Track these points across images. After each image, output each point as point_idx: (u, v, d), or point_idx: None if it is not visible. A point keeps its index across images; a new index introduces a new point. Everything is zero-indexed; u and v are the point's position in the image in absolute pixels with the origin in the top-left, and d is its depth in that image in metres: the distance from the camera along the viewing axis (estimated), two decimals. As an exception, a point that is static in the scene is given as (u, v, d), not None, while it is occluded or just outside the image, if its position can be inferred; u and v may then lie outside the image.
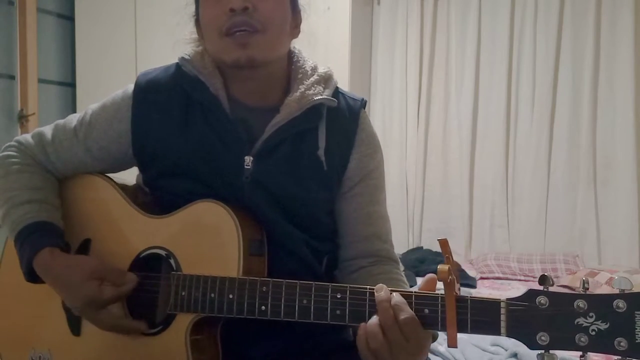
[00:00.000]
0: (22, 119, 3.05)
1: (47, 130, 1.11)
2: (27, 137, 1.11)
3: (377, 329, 0.80)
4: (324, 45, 2.99)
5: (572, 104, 3.22)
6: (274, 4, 0.99)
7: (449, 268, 0.77)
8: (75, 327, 1.04)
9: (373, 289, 0.84)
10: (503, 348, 2.01)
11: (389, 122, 3.61)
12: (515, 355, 1.93)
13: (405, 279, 1.07)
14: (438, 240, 0.80)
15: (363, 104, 1.10)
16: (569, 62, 3.22)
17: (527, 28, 3.29)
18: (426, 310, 0.81)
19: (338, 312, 0.85)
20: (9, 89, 3.04)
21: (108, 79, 3.19)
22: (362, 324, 0.83)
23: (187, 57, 1.05)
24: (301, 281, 0.88)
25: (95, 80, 3.28)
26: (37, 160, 1.09)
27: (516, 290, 2.80)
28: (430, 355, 1.96)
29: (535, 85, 3.30)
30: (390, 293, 0.82)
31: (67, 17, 3.42)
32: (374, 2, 3.63)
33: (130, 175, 1.15)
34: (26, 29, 3.02)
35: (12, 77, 3.05)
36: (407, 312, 0.80)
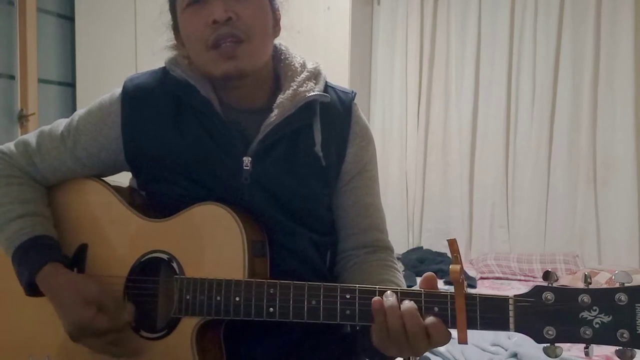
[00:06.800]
0: (22, 119, 3.06)
1: (32, 138, 1.07)
2: (11, 147, 1.07)
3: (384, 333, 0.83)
4: (324, 45, 3.00)
5: (572, 104, 3.22)
6: (255, 9, 0.97)
7: (460, 268, 0.78)
8: None
9: (382, 289, 0.84)
10: (503, 348, 2.00)
11: (389, 122, 3.61)
12: (515, 355, 1.93)
13: (398, 266, 1.08)
14: (447, 240, 0.82)
15: (353, 96, 1.09)
16: (569, 62, 3.22)
17: (527, 28, 3.30)
18: (436, 309, 0.82)
19: (348, 312, 0.86)
20: (9, 89, 3.04)
21: (108, 79, 3.18)
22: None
23: (174, 61, 1.03)
24: (309, 282, 0.88)
25: (95, 80, 3.29)
26: (24, 170, 1.05)
27: (516, 290, 2.81)
28: (430, 355, 1.97)
29: (535, 85, 3.31)
30: (399, 300, 0.83)
31: (67, 17, 3.42)
32: (374, 2, 3.63)
33: (124, 178, 1.13)
34: (26, 29, 3.02)
35: (12, 77, 3.05)
36: (416, 324, 0.81)
